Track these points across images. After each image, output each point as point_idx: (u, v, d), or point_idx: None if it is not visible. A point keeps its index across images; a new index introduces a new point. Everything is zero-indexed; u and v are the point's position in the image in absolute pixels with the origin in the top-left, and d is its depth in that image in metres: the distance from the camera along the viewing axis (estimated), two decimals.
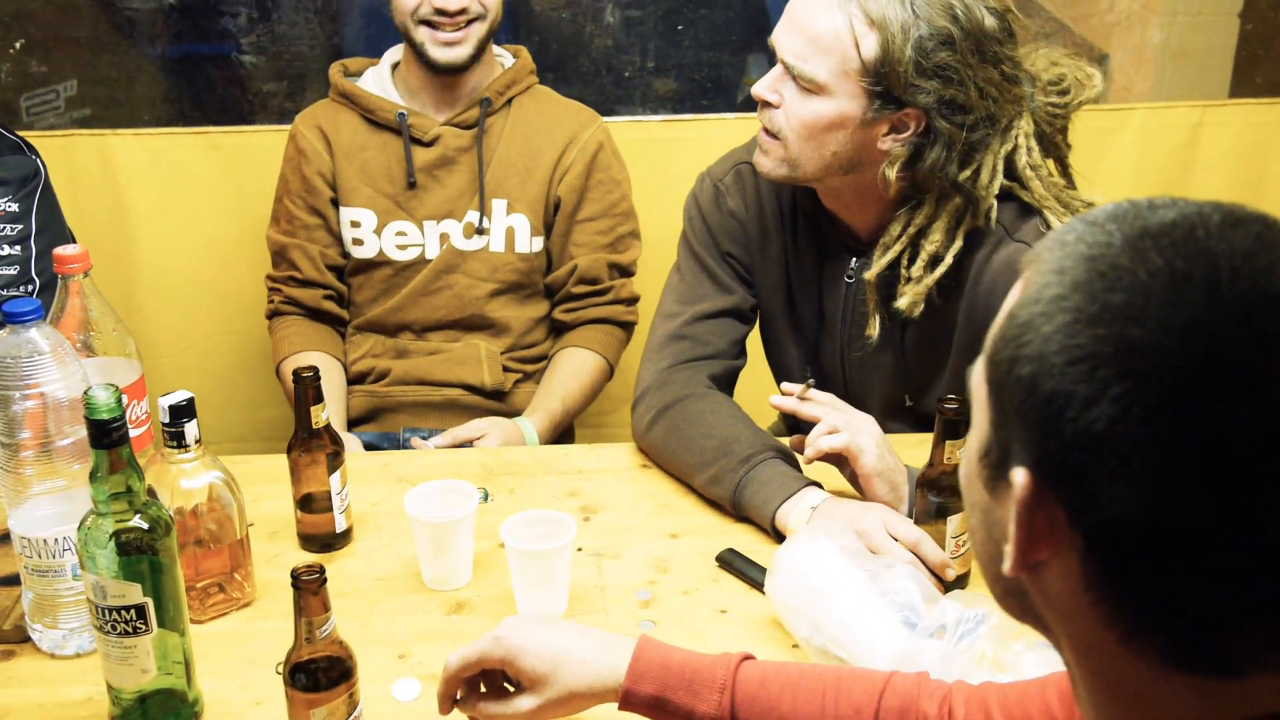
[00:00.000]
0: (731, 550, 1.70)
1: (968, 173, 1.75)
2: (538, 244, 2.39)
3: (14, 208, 2.01)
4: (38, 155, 2.09)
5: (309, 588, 1.28)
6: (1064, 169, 1.87)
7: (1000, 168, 1.76)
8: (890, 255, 1.81)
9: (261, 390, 2.81)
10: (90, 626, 1.52)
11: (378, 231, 2.36)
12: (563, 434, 2.38)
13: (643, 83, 2.85)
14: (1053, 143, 1.84)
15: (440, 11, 2.22)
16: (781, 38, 1.76)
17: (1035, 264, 0.79)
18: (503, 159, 2.36)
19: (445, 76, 2.31)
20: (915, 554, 1.60)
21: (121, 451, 1.32)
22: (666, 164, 2.73)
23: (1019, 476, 0.76)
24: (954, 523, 1.60)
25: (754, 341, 2.07)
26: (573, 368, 2.37)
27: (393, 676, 1.48)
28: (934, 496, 1.60)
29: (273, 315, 2.44)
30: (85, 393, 1.30)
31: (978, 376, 0.83)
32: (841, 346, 1.97)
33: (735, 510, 1.78)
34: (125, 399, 1.65)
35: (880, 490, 1.68)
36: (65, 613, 1.53)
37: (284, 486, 1.80)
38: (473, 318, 2.39)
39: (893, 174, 1.75)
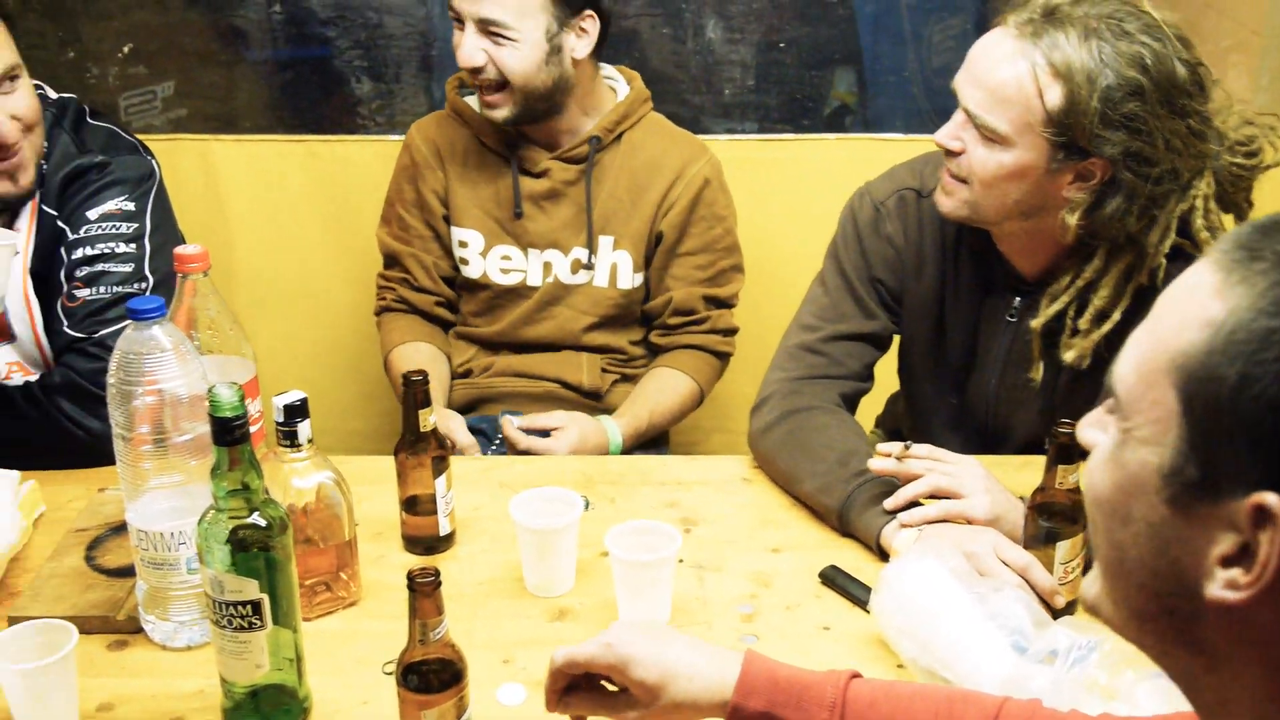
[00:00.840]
0: (834, 567, 1.69)
1: (1144, 226, 1.72)
2: (638, 279, 2.38)
3: (130, 206, 2.05)
4: (153, 156, 2.13)
5: (424, 590, 1.28)
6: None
7: (1174, 227, 1.72)
8: (1058, 305, 1.79)
9: (352, 398, 2.85)
10: (201, 620, 1.56)
11: (484, 254, 2.37)
12: (656, 446, 2.38)
13: (741, 100, 2.84)
14: (1233, 202, 1.79)
15: (469, 70, 2.23)
16: (963, 86, 1.73)
17: (1250, 266, 0.75)
18: (610, 193, 2.34)
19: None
20: (1024, 579, 1.58)
21: (242, 449, 1.34)
22: (764, 181, 2.73)
23: (1269, 499, 0.72)
24: (1063, 549, 1.58)
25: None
26: (666, 385, 2.36)
27: (498, 681, 1.49)
28: (1044, 521, 1.58)
29: (383, 311, 2.45)
30: (209, 390, 1.32)
31: (1155, 391, 0.79)
32: (993, 383, 1.95)
33: (840, 523, 1.77)
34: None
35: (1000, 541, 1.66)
36: (177, 605, 1.56)
37: (387, 488, 1.82)
38: (572, 344, 2.40)
39: (1073, 220, 1.72)
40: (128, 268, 2.00)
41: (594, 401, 2.40)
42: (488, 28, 2.17)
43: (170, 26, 2.80)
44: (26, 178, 2.00)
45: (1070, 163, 1.69)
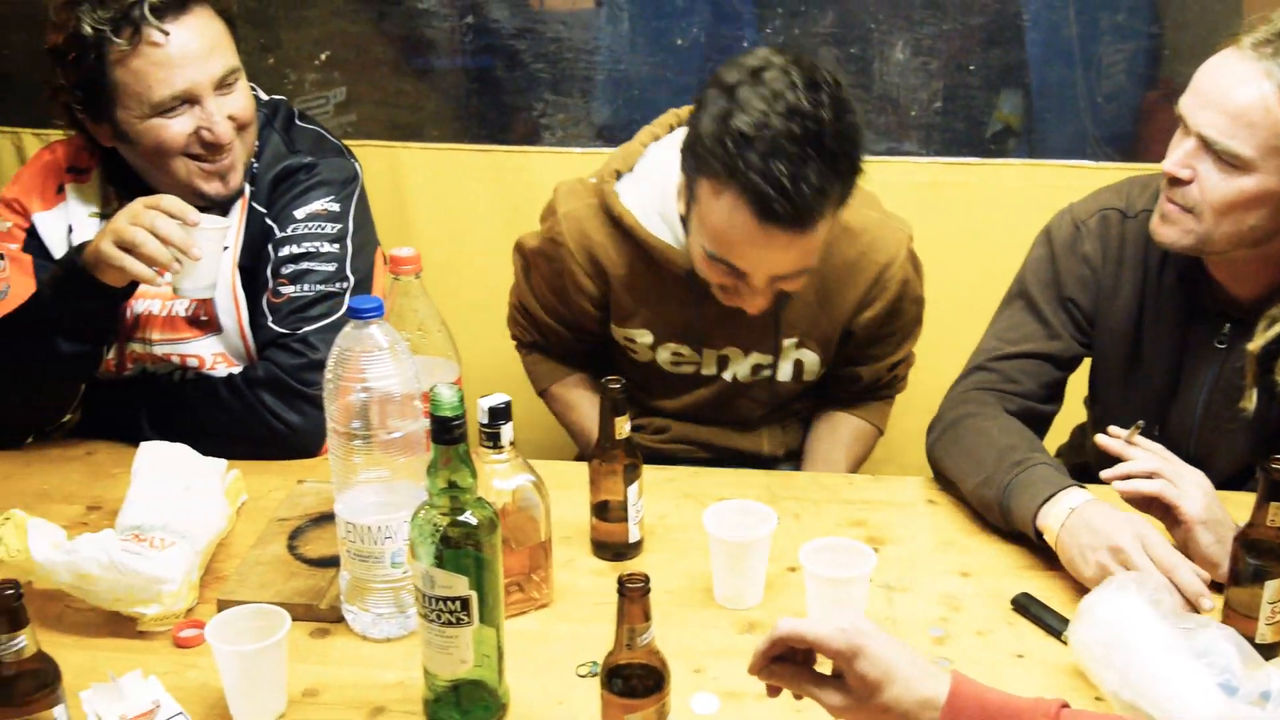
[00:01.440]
0: (1027, 594, 1.67)
1: None
2: (821, 369, 2.19)
3: (335, 207, 2.11)
4: (356, 160, 2.19)
5: (634, 595, 1.30)
6: None
7: None
8: (1277, 330, 1.75)
9: (521, 407, 2.86)
10: (399, 614, 1.60)
11: (652, 347, 2.15)
12: None
13: (927, 122, 2.81)
14: None
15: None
16: (1195, 111, 1.69)
17: None
18: (800, 297, 2.05)
19: None
20: (1171, 579, 1.55)
21: (459, 448, 1.37)
22: (947, 206, 2.71)
23: None
24: (1271, 588, 1.54)
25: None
26: (840, 438, 2.27)
27: (689, 689, 1.50)
28: (1252, 559, 1.54)
29: (528, 348, 2.34)
30: (432, 390, 1.35)
31: None
32: (1197, 413, 1.91)
33: (1003, 517, 1.76)
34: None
35: (1204, 540, 1.62)
36: (377, 597, 1.60)
37: (574, 493, 1.84)
38: (749, 425, 2.28)
39: None
40: (330, 267, 2.06)
41: (771, 468, 2.33)
42: (785, 277, 1.88)
43: (360, 35, 2.88)
44: (236, 179, 2.07)
45: None
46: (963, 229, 2.71)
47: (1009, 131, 2.94)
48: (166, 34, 1.94)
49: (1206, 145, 1.68)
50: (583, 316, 2.16)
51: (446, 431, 1.36)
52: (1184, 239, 1.75)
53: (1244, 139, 1.64)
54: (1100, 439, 1.70)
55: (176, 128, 1.99)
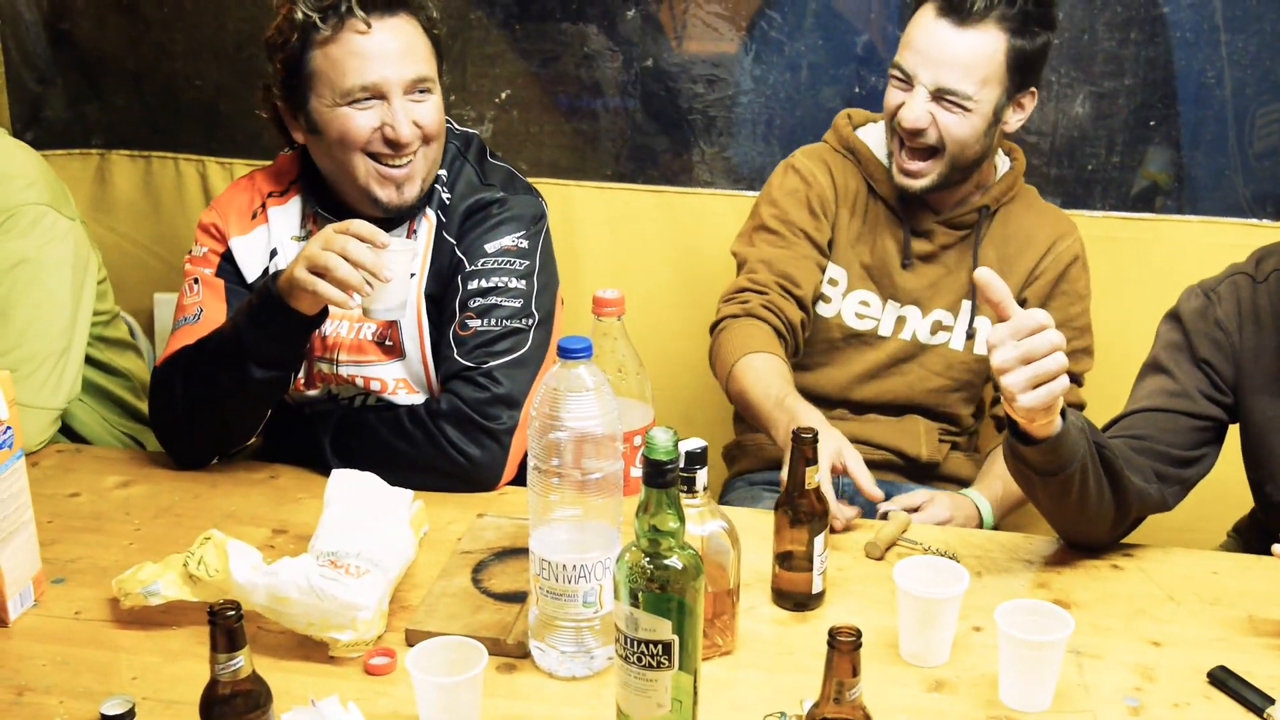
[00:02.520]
0: (1224, 668, 1.62)
1: None
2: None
3: (524, 244, 2.14)
4: (543, 199, 2.23)
5: (844, 649, 1.29)
6: None
7: None
8: None
9: None
10: (585, 653, 1.61)
11: (845, 294, 2.38)
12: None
13: (1105, 177, 2.78)
14: None
15: (908, 131, 2.24)
16: None
17: None
18: (983, 260, 2.35)
19: None
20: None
21: (670, 492, 1.38)
22: (1123, 263, 2.68)
23: None
24: None
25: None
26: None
27: None
28: None
29: (732, 318, 2.29)
30: (647, 433, 1.36)
31: None
32: None
33: None
34: (639, 440, 1.74)
35: None
36: (558, 635, 1.61)
37: (758, 540, 1.84)
38: (918, 406, 2.39)
39: None
40: (517, 303, 2.09)
41: (930, 472, 2.38)
42: (943, 94, 2.19)
43: (534, 75, 2.93)
44: (412, 191, 2.10)
45: None
46: (1117, 286, 2.71)
47: (1156, 189, 2.89)
48: (369, 27, 2.00)
49: None
50: (818, 237, 2.35)
51: (660, 475, 1.37)
52: None
53: None
54: (1277, 549, 1.65)
55: (362, 120, 2.03)
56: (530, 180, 2.76)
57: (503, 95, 2.91)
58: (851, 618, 1.75)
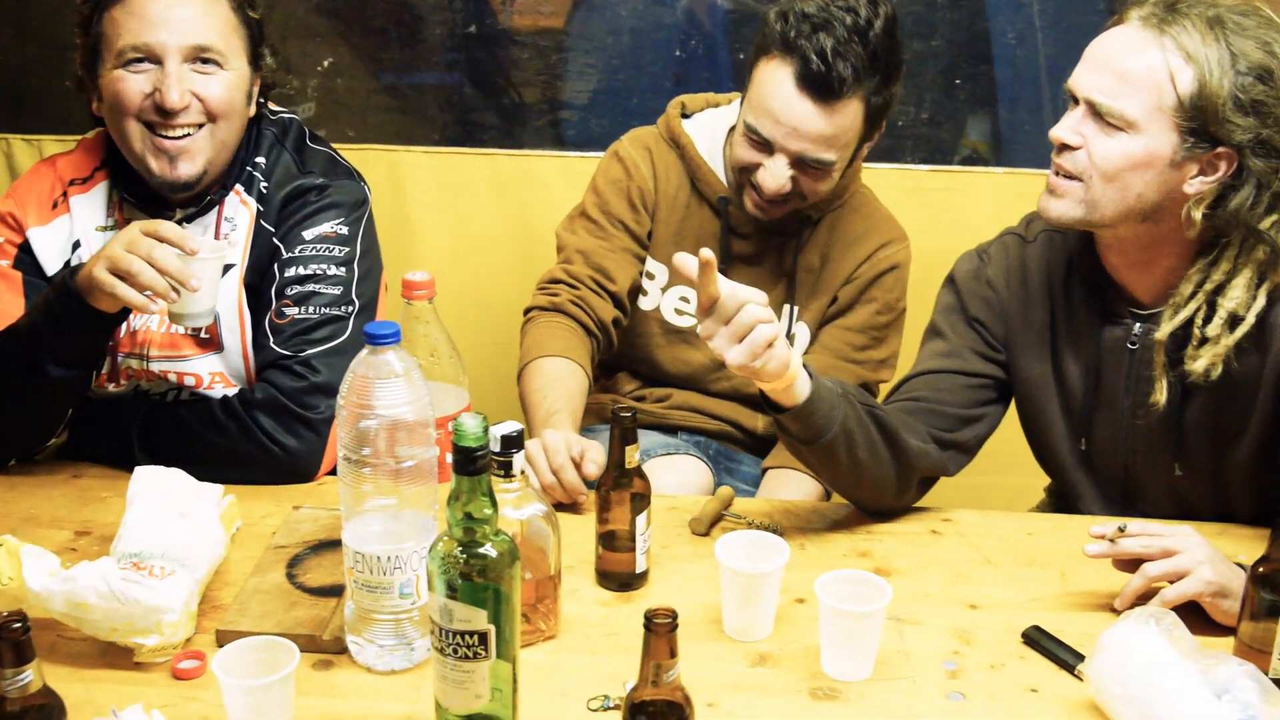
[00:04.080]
0: (1037, 628, 1.66)
1: (1272, 220, 1.71)
2: (807, 347, 2.35)
3: (344, 230, 2.07)
4: (365, 183, 2.16)
5: (660, 631, 1.28)
6: None
7: None
8: (1184, 314, 1.77)
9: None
10: (405, 645, 1.57)
11: (664, 289, 2.34)
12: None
13: (915, 133, 2.83)
14: None
15: (774, 198, 2.18)
16: (1085, 78, 1.75)
17: None
18: (803, 265, 2.32)
19: None
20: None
21: (481, 480, 1.35)
22: (935, 214, 2.75)
23: None
24: None
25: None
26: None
27: None
28: (1268, 594, 1.54)
29: (544, 310, 2.27)
30: (456, 420, 1.33)
31: None
32: (1123, 416, 1.91)
33: None
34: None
35: (1226, 605, 1.62)
36: (377, 629, 1.57)
37: (579, 521, 1.82)
38: (748, 401, 2.38)
39: (1198, 214, 1.72)
40: (336, 290, 2.03)
41: (768, 443, 2.38)
42: (805, 162, 2.12)
43: (357, 42, 2.88)
44: (189, 169, 1.99)
45: (1197, 153, 1.70)
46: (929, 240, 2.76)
47: (976, 158, 2.97)
48: None
49: (1094, 111, 1.73)
50: (638, 231, 2.32)
51: (470, 462, 1.33)
52: (1073, 210, 1.78)
53: (1130, 100, 1.70)
54: (1088, 549, 1.68)
55: (133, 84, 1.95)
56: (358, 147, 2.70)
57: (325, 63, 2.83)
58: (676, 595, 1.74)
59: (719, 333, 1.66)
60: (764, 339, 1.64)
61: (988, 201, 2.80)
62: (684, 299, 2.34)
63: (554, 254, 2.40)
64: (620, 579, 1.75)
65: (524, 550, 1.61)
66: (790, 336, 2.31)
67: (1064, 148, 1.77)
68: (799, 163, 2.12)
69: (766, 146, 2.12)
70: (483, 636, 1.36)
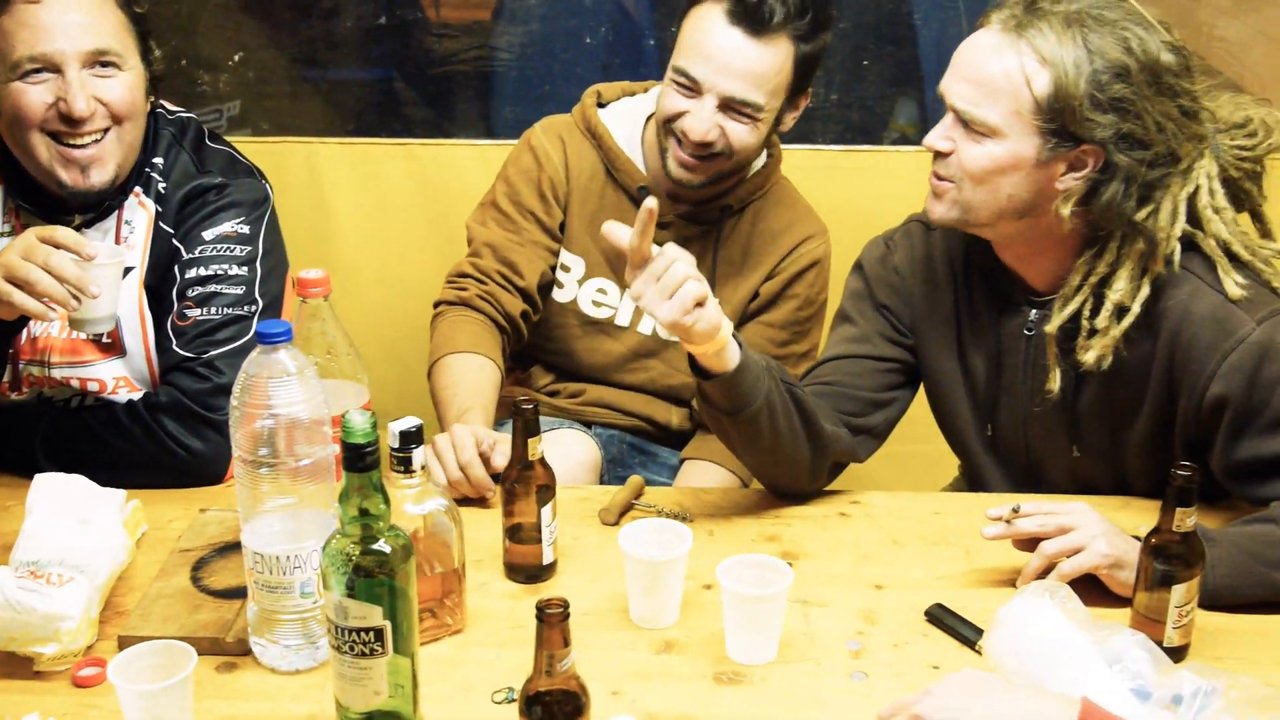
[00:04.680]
0: (940, 606, 1.68)
1: (1146, 212, 1.73)
2: None
3: (245, 229, 2.05)
4: (267, 181, 2.15)
5: (552, 621, 1.28)
6: (1259, 222, 1.85)
7: (1182, 210, 1.75)
8: (1072, 307, 1.80)
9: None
10: (310, 645, 1.56)
11: (580, 281, 2.32)
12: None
13: (824, 114, 2.86)
14: (1244, 190, 1.82)
15: (698, 143, 2.15)
16: (950, 85, 1.77)
17: None
18: (725, 258, 2.31)
19: None
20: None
21: (372, 475, 1.34)
22: (845, 192, 2.76)
23: None
24: (1179, 592, 1.56)
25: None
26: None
27: (608, 712, 1.48)
28: (1160, 564, 1.56)
29: (452, 304, 2.26)
30: (344, 416, 1.33)
31: None
32: (1023, 402, 1.94)
33: None
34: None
35: (1123, 576, 1.64)
36: (282, 630, 1.56)
37: (487, 515, 1.82)
38: (665, 395, 2.38)
39: (1066, 210, 1.74)
40: (239, 290, 2.02)
41: (683, 438, 2.38)
42: (732, 104, 2.12)
43: (271, 34, 2.87)
44: (101, 176, 1.97)
45: (1061, 151, 1.72)
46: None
47: (905, 141, 3.00)
48: None
49: (960, 117, 1.75)
50: (549, 223, 2.30)
51: (359, 459, 1.33)
52: (951, 211, 1.81)
53: (989, 107, 1.72)
54: (985, 531, 1.70)
55: (35, 95, 1.91)
56: (276, 140, 2.67)
57: (236, 58, 2.82)
58: (584, 586, 1.74)
59: (649, 290, 1.66)
60: (693, 296, 1.65)
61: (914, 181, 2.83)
62: (601, 290, 2.33)
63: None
64: (528, 571, 1.75)
65: (427, 545, 1.61)
66: None
67: (938, 154, 1.80)
68: (726, 107, 2.12)
69: (695, 90, 2.12)
70: (379, 633, 1.36)
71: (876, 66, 2.87)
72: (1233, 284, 1.75)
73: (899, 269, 2.00)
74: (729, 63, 2.09)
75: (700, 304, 1.66)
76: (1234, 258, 1.78)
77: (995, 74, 1.71)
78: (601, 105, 2.36)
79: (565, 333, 2.37)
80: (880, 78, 2.90)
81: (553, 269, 2.33)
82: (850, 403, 1.96)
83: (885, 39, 2.86)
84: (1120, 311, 1.77)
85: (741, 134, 2.15)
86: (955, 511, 1.94)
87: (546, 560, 1.75)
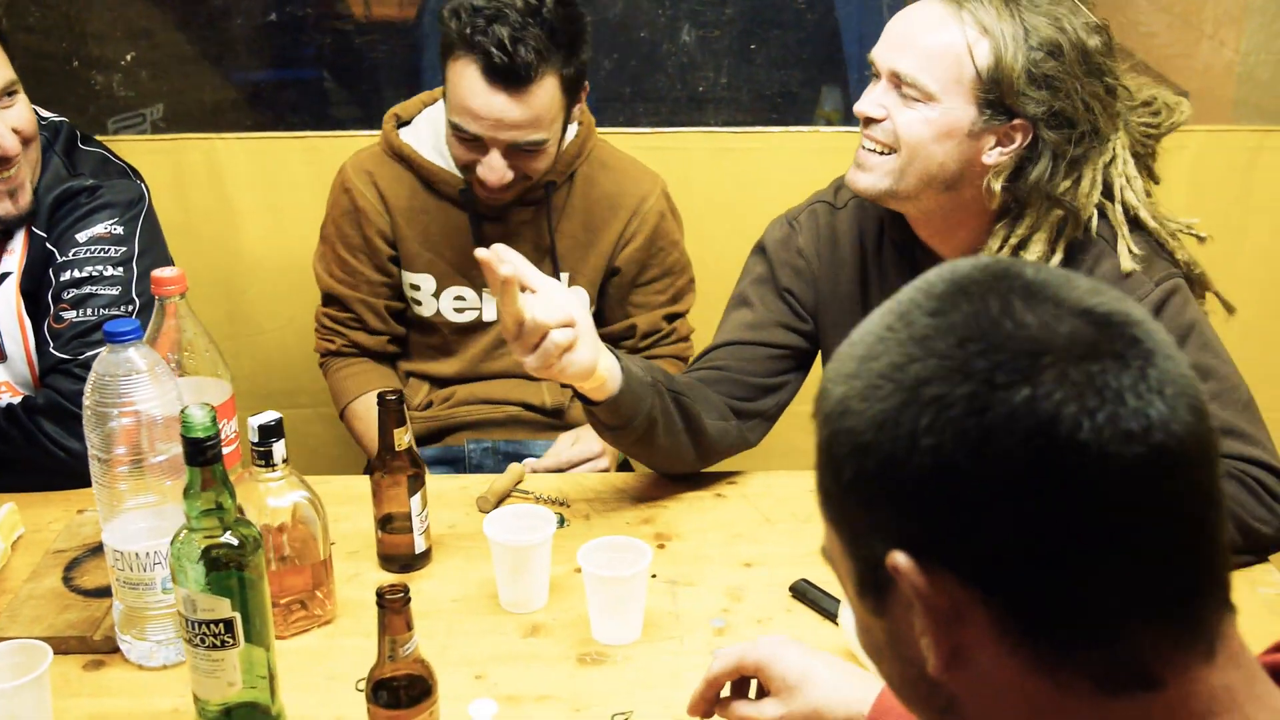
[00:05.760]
0: (805, 581, 1.71)
1: (1068, 184, 1.77)
2: (591, 312, 2.31)
3: (119, 230, 2.06)
4: (143, 181, 2.15)
5: (393, 606, 1.30)
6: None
7: (1099, 179, 1.79)
8: None
9: (324, 422, 2.88)
10: (177, 639, 1.57)
11: (436, 295, 2.33)
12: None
13: (715, 98, 2.89)
14: (1145, 166, 1.86)
15: (497, 188, 2.16)
16: (886, 53, 1.79)
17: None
18: (567, 232, 2.32)
19: None
20: None
21: (215, 469, 1.36)
22: (736, 176, 2.79)
23: (899, 559, 0.77)
24: None
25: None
26: None
27: (470, 696, 1.50)
28: None
29: (330, 355, 2.39)
30: (182, 411, 1.34)
31: (827, 537, 0.87)
32: None
33: None
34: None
35: None
36: (153, 625, 1.57)
37: (364, 506, 1.83)
38: (529, 375, 2.37)
39: (997, 185, 1.77)
40: (115, 291, 2.02)
41: (557, 420, 2.40)
42: (518, 148, 2.12)
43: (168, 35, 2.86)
44: (25, 197, 2.01)
45: (994, 124, 1.75)
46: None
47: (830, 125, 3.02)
48: None
49: (897, 82, 1.77)
50: (379, 258, 2.31)
51: (200, 453, 1.34)
52: (880, 183, 1.81)
53: (930, 73, 1.74)
54: None
55: None
56: (172, 137, 2.67)
57: (128, 57, 2.82)
58: (457, 573, 1.77)
59: (514, 345, 1.68)
60: (557, 346, 1.65)
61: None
62: (459, 297, 2.33)
63: None
64: (401, 560, 1.77)
65: (295, 537, 1.63)
66: None
67: (869, 121, 1.81)
68: (512, 151, 2.12)
69: (478, 142, 2.12)
70: (229, 624, 1.38)
71: (769, 49, 2.90)
72: (1127, 253, 1.78)
73: (803, 250, 2.00)
74: (501, 119, 2.08)
75: (567, 350, 1.66)
76: (1141, 225, 1.81)
77: (938, 43, 1.73)
78: (406, 123, 2.34)
79: (439, 340, 2.39)
80: (786, 60, 2.92)
81: (400, 295, 2.35)
82: (741, 389, 1.98)
83: (762, 23, 2.90)
84: None
85: (536, 162, 2.16)
86: None
87: (419, 549, 1.76)
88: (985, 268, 0.81)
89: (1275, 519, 1.70)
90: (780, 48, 2.89)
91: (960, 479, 0.74)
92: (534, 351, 1.65)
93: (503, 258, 1.64)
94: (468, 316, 2.34)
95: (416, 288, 2.33)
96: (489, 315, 2.34)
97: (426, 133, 2.31)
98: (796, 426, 2.36)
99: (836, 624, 1.62)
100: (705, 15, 2.87)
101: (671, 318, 2.40)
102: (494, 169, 2.13)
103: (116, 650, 1.60)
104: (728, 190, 2.77)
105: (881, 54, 1.80)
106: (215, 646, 1.38)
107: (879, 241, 1.97)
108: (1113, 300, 0.79)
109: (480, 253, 1.64)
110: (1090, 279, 0.81)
